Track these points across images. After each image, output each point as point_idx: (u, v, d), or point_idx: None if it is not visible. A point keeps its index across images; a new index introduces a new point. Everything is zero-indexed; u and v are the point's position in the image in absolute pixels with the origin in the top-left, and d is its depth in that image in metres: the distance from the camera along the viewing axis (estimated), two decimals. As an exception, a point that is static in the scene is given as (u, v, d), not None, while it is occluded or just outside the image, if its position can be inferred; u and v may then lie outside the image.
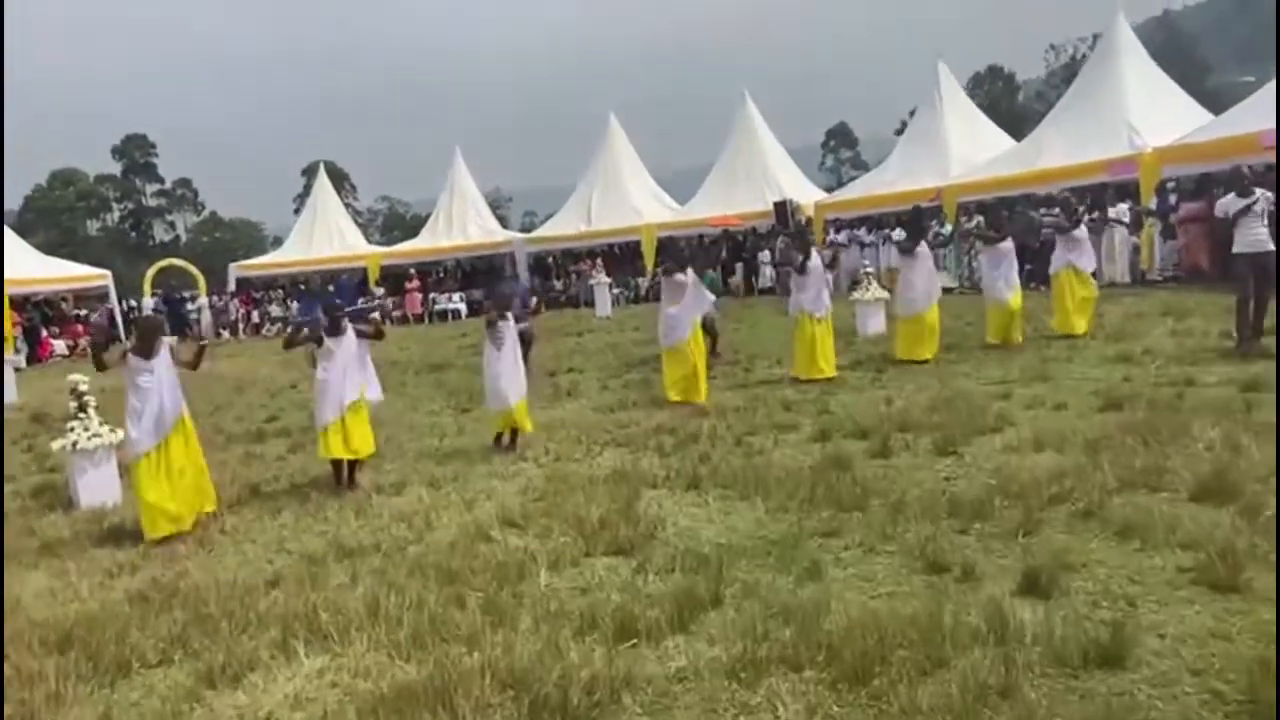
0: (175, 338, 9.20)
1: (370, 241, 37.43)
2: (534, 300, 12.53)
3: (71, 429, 7.39)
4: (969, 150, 22.39)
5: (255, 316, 29.42)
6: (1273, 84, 15.67)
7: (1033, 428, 6.89)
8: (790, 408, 8.82)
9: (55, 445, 7.53)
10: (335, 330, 7.21)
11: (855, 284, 15.13)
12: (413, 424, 9.95)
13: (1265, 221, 9.12)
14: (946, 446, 6.65)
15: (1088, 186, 17.49)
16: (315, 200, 33.63)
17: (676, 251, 12.94)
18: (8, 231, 25.66)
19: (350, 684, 3.85)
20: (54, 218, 63.69)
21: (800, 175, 29.84)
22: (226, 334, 28.64)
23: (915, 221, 12.22)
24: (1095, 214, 14.58)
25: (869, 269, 15.45)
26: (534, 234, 33.17)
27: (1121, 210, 16.53)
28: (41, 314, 26.35)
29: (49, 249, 35.58)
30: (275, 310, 29.08)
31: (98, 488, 7.40)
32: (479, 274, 29.80)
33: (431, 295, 29.15)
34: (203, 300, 29.69)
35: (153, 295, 28.29)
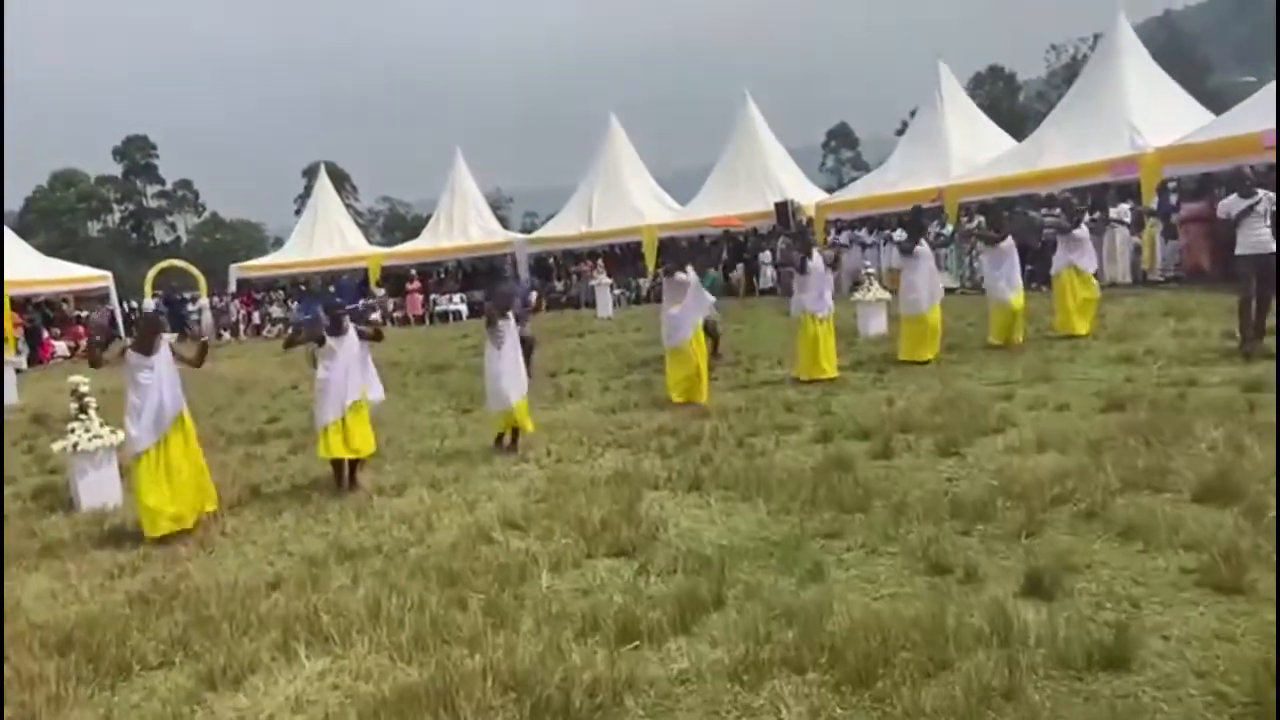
0: (175, 335, 9.19)
1: (371, 242, 37.47)
2: (533, 296, 12.51)
3: (72, 430, 7.38)
4: (970, 150, 22.37)
5: (256, 317, 29.40)
6: (1273, 84, 15.65)
7: (1035, 428, 6.88)
8: (792, 408, 8.81)
9: (56, 447, 7.53)
10: (337, 329, 7.19)
11: (856, 285, 15.13)
12: (414, 425, 9.95)
13: (1268, 222, 9.11)
14: (949, 447, 6.64)
15: (1089, 187, 17.48)
16: (316, 201, 33.66)
17: (678, 251, 12.94)
18: (8, 233, 25.73)
19: (351, 686, 3.85)
20: (55, 219, 63.82)
21: (801, 175, 29.81)
22: (227, 335, 28.64)
23: (915, 221, 12.22)
24: (1096, 214, 14.60)
25: (870, 270, 15.40)
26: (535, 235, 33.20)
27: (1123, 210, 16.55)
28: (43, 315, 26.38)
29: (50, 250, 35.65)
30: (276, 311, 29.07)
31: (98, 489, 7.40)
32: (480, 275, 29.73)
33: (432, 296, 29.13)
34: (203, 301, 29.68)
35: (153, 296, 28.24)
